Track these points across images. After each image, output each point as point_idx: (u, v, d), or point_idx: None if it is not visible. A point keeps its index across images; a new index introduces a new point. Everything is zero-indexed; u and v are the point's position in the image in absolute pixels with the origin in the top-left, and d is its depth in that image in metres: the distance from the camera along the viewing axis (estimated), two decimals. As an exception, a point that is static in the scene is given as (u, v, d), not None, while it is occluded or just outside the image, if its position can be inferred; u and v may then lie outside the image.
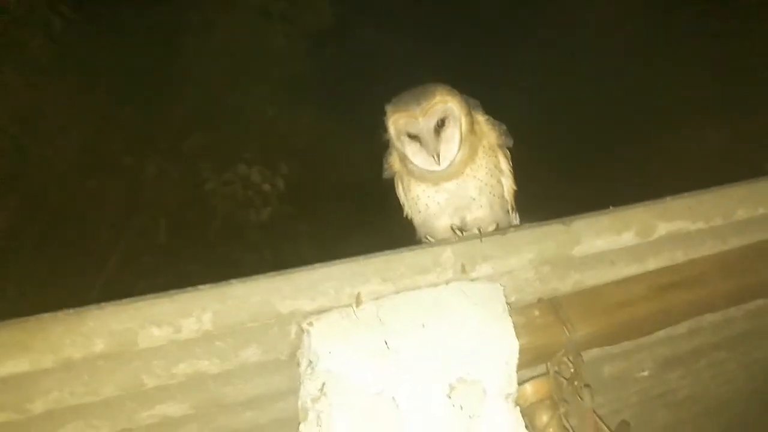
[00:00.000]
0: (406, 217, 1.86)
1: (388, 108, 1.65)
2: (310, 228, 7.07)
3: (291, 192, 6.46)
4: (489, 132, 1.73)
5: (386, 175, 1.83)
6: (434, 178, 1.66)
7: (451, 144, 1.62)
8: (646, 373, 2.38)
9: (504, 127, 1.76)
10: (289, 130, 7.19)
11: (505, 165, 1.77)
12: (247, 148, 6.26)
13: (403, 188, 1.77)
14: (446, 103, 1.61)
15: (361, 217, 7.66)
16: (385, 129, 1.69)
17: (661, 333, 1.95)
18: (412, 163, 1.64)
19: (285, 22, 7.37)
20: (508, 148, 1.79)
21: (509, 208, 1.85)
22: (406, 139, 1.63)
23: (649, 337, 1.96)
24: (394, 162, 1.77)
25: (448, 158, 1.62)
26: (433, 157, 1.60)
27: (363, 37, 8.46)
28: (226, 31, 7.05)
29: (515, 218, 1.90)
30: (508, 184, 1.79)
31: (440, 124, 1.61)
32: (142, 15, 6.73)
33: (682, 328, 2.05)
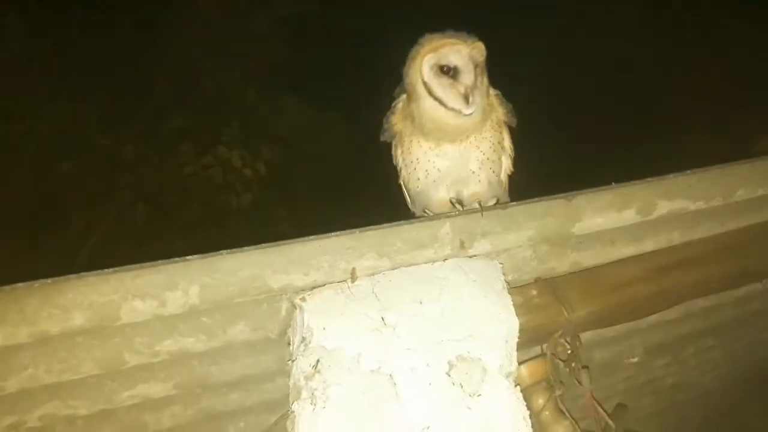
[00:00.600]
0: (401, 186, 1.80)
1: (427, 38, 1.60)
2: (290, 213, 6.97)
3: (272, 177, 6.34)
4: (498, 107, 1.68)
5: (385, 137, 1.76)
6: (445, 133, 1.60)
7: (479, 91, 1.57)
8: (635, 360, 2.37)
9: (510, 105, 1.71)
10: (270, 114, 7.06)
11: (508, 143, 1.73)
12: (227, 131, 6.12)
13: (402, 152, 1.69)
14: (485, 52, 1.57)
15: (341, 203, 7.58)
16: (404, 73, 1.64)
17: (653, 318, 1.92)
18: (439, 101, 1.56)
19: (267, 5, 7.22)
20: (511, 128, 1.74)
21: (504, 188, 1.80)
22: (437, 76, 1.57)
23: (641, 322, 1.93)
24: (398, 120, 1.69)
25: (476, 104, 1.56)
26: (467, 95, 1.54)
27: (346, 21, 8.33)
28: (207, 12, 6.88)
29: (507, 200, 1.85)
30: (506, 164, 1.74)
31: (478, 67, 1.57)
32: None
33: (674, 312, 2.03)
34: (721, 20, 7.79)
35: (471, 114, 1.56)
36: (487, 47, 1.59)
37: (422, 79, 1.57)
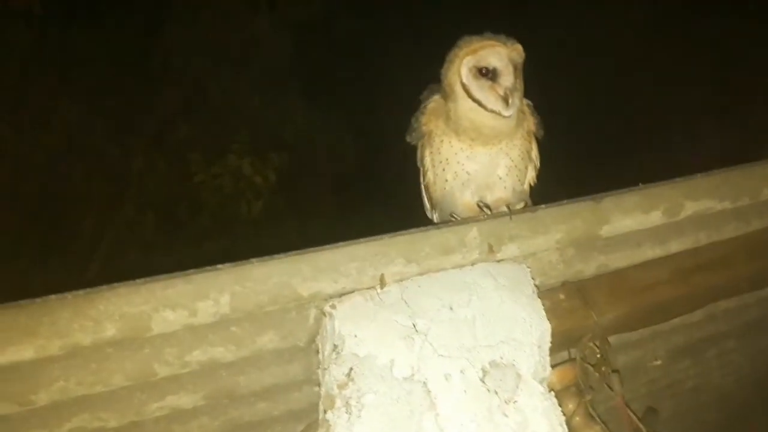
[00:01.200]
0: (423, 188, 1.79)
1: (465, 40, 1.61)
2: (299, 221, 6.97)
3: (281, 184, 6.34)
4: (529, 116, 1.68)
5: (413, 137, 1.75)
6: (481, 134, 1.60)
7: (518, 93, 1.58)
8: (658, 362, 2.35)
9: (539, 117, 1.72)
10: (278, 120, 7.07)
11: (535, 153, 1.73)
12: (236, 139, 6.12)
13: (432, 152, 1.68)
14: (523, 54, 1.58)
15: (347, 206, 7.60)
16: (441, 75, 1.65)
17: (675, 320, 1.91)
18: (477, 102, 1.56)
19: (272, 12, 7.24)
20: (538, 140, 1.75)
21: (527, 197, 1.80)
22: (476, 78, 1.57)
23: (664, 325, 1.92)
24: (428, 120, 1.69)
25: (515, 105, 1.57)
26: (507, 97, 1.54)
27: (351, 27, 8.35)
28: (212, 20, 6.91)
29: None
30: (531, 175, 1.75)
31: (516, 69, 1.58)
32: (126, 3, 6.57)
33: (697, 315, 2.02)
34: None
35: (510, 116, 1.56)
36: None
37: (461, 81, 1.58)
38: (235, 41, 6.86)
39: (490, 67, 1.56)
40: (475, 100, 1.56)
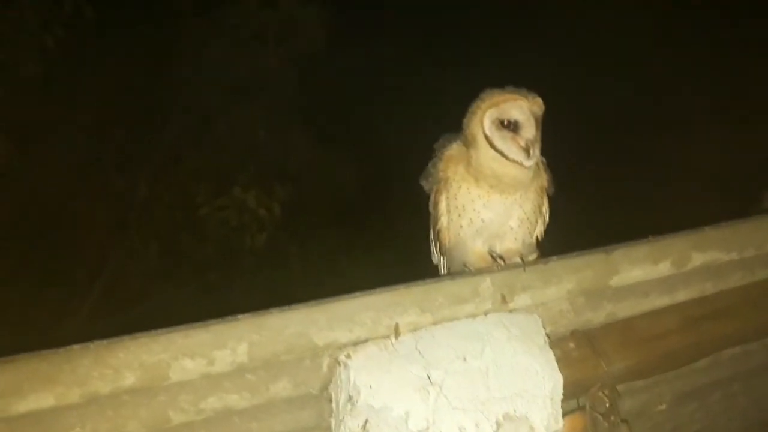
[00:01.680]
0: (434, 234, 1.81)
1: (487, 93, 1.67)
2: (301, 252, 7.00)
3: (285, 216, 6.38)
4: (543, 173, 1.73)
5: (429, 182, 1.79)
6: (500, 182, 1.65)
7: (538, 145, 1.64)
8: (663, 407, 2.34)
9: (552, 174, 1.79)
10: (283, 153, 7.16)
11: (545, 209, 1.78)
12: (242, 171, 6.18)
13: (448, 198, 1.72)
14: (543, 107, 1.64)
15: (350, 240, 7.65)
16: (464, 125, 1.71)
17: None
18: (500, 153, 1.62)
19: (278, 46, 7.38)
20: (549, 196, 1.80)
21: (535, 250, 1.83)
22: (498, 129, 1.63)
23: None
24: (446, 167, 1.72)
25: (536, 156, 1.63)
26: (528, 148, 1.61)
27: (355, 61, 8.50)
28: (219, 54, 7.04)
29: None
30: (540, 229, 1.79)
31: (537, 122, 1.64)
32: (134, 36, 6.69)
33: (703, 360, 2.03)
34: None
35: (530, 165, 1.62)
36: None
37: (483, 132, 1.63)
38: (242, 74, 6.97)
39: (512, 120, 1.62)
40: (497, 150, 1.62)
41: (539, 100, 1.61)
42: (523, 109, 1.61)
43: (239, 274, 6.26)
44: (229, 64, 6.93)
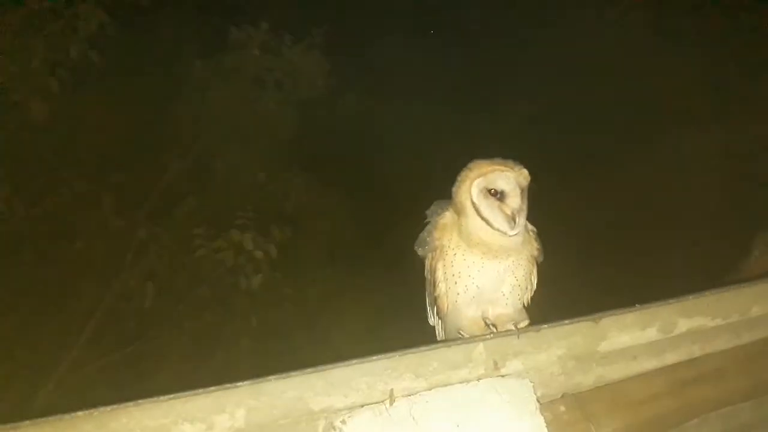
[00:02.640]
0: (435, 299, 1.86)
1: (476, 163, 1.75)
2: (296, 293, 7.01)
3: (281, 257, 6.42)
4: (532, 241, 1.79)
5: (425, 250, 1.85)
6: (489, 249, 1.71)
7: (523, 214, 1.71)
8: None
9: (541, 244, 1.86)
10: (281, 194, 7.24)
11: (534, 277, 1.83)
12: (240, 213, 6.24)
13: (444, 265, 1.78)
14: (529, 178, 1.72)
15: (345, 281, 7.67)
16: (453, 193, 1.79)
17: (673, 426, 1.95)
18: (486, 221, 1.69)
19: (278, 91, 7.54)
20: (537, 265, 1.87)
21: (524, 315, 1.88)
22: (486, 198, 1.70)
23: (662, 428, 1.96)
24: (441, 235, 1.78)
25: (521, 225, 1.70)
26: (513, 218, 1.68)
27: (353, 105, 8.70)
28: (219, 97, 7.18)
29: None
30: (527, 297, 1.85)
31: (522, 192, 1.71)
32: (136, 77, 6.83)
33: (694, 420, 2.06)
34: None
35: (515, 234, 1.69)
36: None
37: (471, 200, 1.70)
38: (242, 118, 7.10)
39: (499, 189, 1.69)
40: (483, 219, 1.68)
41: (525, 172, 1.70)
42: (509, 179, 1.69)
43: (234, 315, 6.26)
44: (229, 107, 7.06)
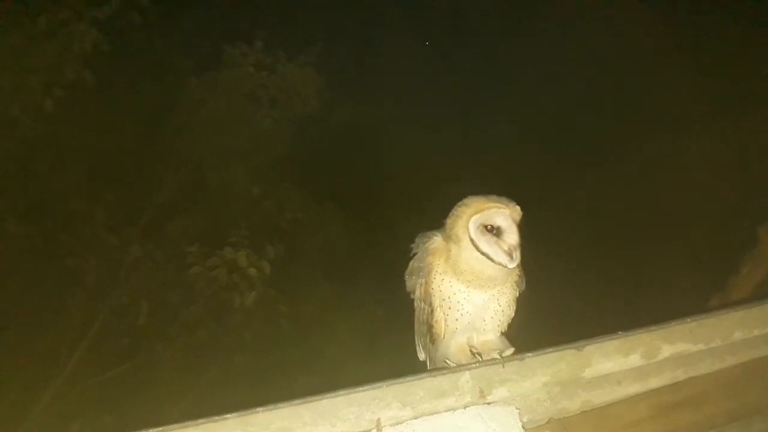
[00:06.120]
0: (431, 326, 1.89)
1: (472, 200, 1.80)
2: (290, 308, 7.03)
3: (275, 274, 6.44)
4: (515, 269, 1.83)
5: (416, 277, 1.90)
6: (480, 279, 1.77)
7: (519, 249, 1.76)
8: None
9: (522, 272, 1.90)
10: (275, 210, 7.28)
11: (514, 304, 1.87)
12: (234, 230, 6.27)
13: (441, 291, 1.82)
14: (521, 214, 1.78)
15: (339, 296, 7.71)
16: (448, 225, 1.83)
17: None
18: (486, 255, 1.73)
19: (272, 107, 7.60)
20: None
21: (505, 341, 1.91)
22: (483, 233, 1.75)
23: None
24: (434, 258, 1.83)
25: (518, 259, 1.75)
26: (511, 252, 1.73)
27: (346, 121, 8.78)
28: (213, 114, 7.23)
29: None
30: (507, 322, 1.89)
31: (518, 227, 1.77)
32: (131, 96, 6.88)
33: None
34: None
35: (513, 267, 1.75)
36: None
37: (469, 236, 1.74)
38: (236, 134, 7.14)
39: (496, 226, 1.74)
40: (483, 253, 1.73)
41: (518, 209, 1.76)
42: (505, 216, 1.75)
43: (228, 332, 6.27)
44: (223, 124, 7.11)
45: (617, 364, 1.68)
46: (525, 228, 1.77)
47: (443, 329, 1.82)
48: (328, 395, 1.42)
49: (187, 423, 1.32)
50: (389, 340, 6.36)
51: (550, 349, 1.60)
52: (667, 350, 1.72)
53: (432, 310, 1.86)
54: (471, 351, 1.73)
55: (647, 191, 7.88)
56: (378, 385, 1.45)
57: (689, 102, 7.95)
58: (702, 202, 7.07)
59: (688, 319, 1.72)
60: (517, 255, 1.73)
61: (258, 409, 1.37)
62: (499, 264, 1.73)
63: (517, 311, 1.89)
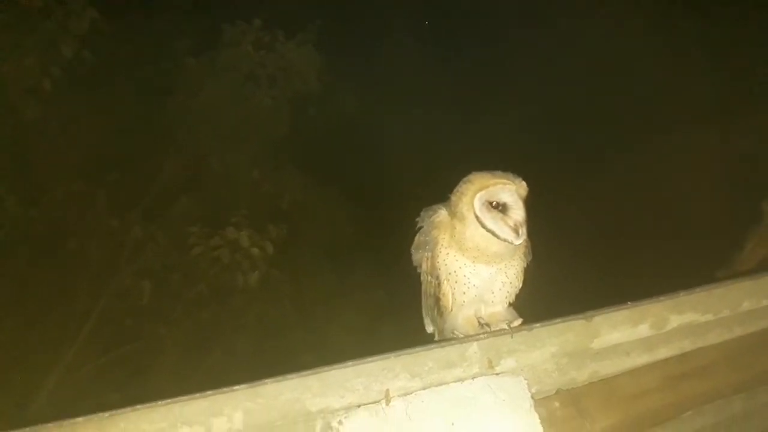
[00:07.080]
0: (431, 300, 1.88)
1: (476, 176, 1.76)
2: (293, 288, 7.05)
3: (278, 254, 6.45)
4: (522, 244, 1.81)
5: (421, 252, 1.88)
6: (486, 256, 1.74)
7: (525, 225, 1.74)
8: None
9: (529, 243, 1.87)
10: (276, 191, 7.26)
11: (521, 275, 1.86)
12: (235, 211, 6.26)
13: (440, 264, 1.81)
14: (527, 190, 1.76)
15: (342, 277, 7.72)
16: (452, 202, 1.80)
17: (667, 419, 1.98)
18: (492, 232, 1.71)
19: (272, 87, 7.54)
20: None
21: (513, 312, 1.90)
22: (489, 210, 1.72)
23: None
24: (439, 231, 1.81)
25: (524, 235, 1.73)
26: (518, 228, 1.71)
27: (346, 101, 8.72)
28: (212, 94, 7.18)
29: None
30: (514, 293, 1.87)
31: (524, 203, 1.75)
32: (129, 75, 6.82)
33: (687, 413, 2.09)
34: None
35: (519, 244, 1.73)
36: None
37: (475, 213, 1.72)
38: (237, 115, 7.10)
39: (502, 202, 1.72)
40: (488, 230, 1.71)
41: (524, 184, 1.73)
42: (511, 192, 1.72)
43: (231, 313, 6.28)
44: (223, 104, 7.06)
45: (625, 335, 1.67)
46: (532, 201, 1.75)
47: (451, 302, 1.81)
48: (337, 366, 1.41)
49: (195, 394, 1.31)
50: (392, 322, 6.39)
51: (559, 320, 1.59)
52: (675, 321, 1.71)
53: (439, 284, 1.84)
54: (479, 322, 1.72)
55: (657, 173, 7.86)
56: (387, 356, 1.44)
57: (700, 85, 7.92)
58: (707, 184, 7.08)
59: (697, 290, 1.71)
60: (523, 231, 1.72)
61: (267, 380, 1.36)
62: (505, 241, 1.71)
63: (524, 282, 1.87)
